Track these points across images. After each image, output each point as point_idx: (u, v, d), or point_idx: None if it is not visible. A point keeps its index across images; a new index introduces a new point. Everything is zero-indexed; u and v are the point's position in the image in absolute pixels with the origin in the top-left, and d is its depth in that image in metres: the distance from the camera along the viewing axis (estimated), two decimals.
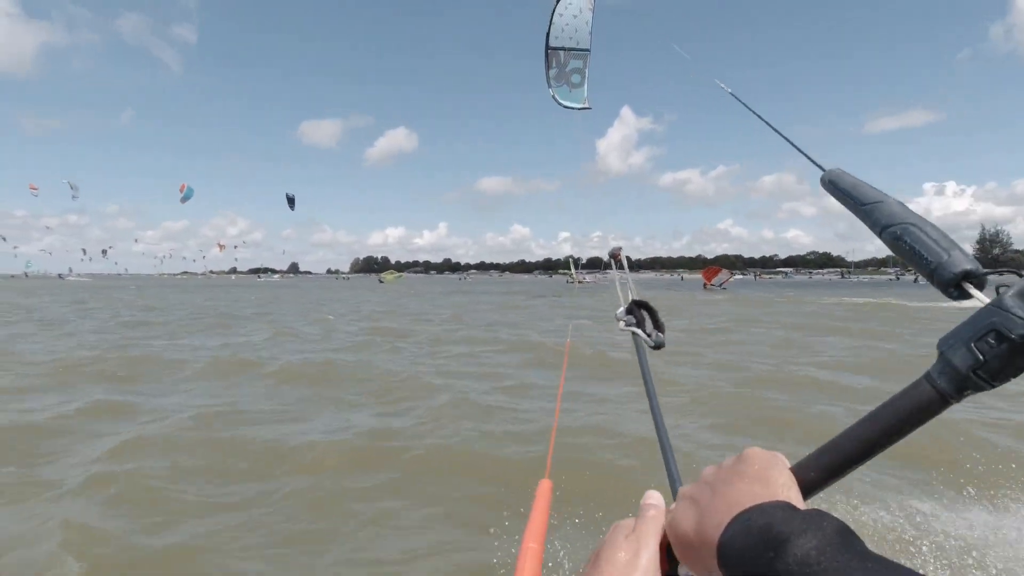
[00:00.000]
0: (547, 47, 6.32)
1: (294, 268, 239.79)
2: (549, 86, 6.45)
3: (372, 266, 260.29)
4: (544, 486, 0.91)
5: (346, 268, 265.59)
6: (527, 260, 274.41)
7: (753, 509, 0.45)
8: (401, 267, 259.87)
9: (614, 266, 1.80)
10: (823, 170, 0.82)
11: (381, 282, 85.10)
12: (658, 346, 1.26)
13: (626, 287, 1.57)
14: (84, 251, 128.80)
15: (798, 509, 0.43)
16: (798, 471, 0.51)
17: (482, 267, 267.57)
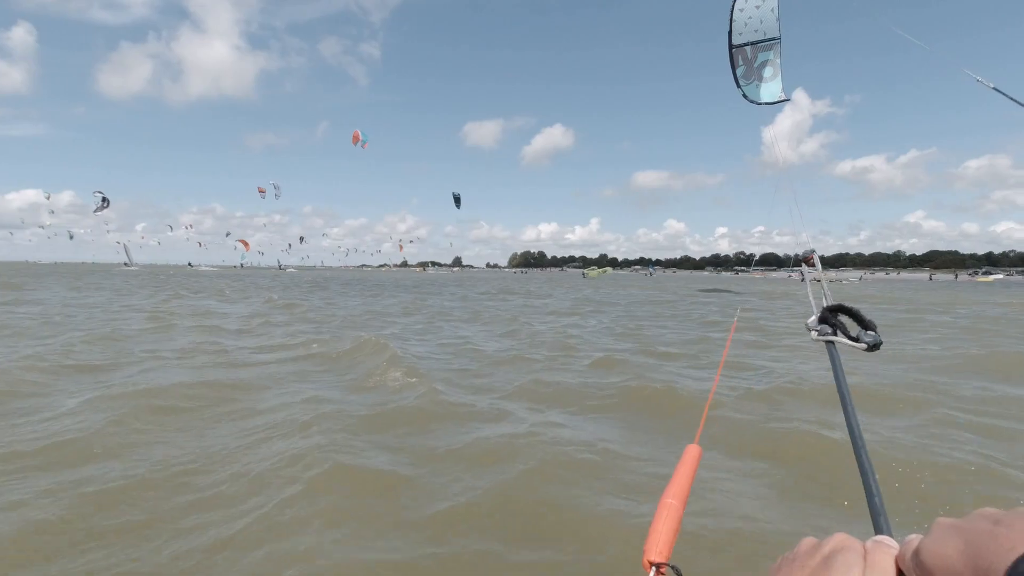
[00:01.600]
0: (731, 46, 5.80)
1: (458, 262, 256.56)
2: (738, 86, 5.82)
3: (529, 261, 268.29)
4: (692, 451, 0.94)
5: (503, 263, 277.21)
6: (686, 256, 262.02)
7: None
8: (557, 262, 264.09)
9: (804, 271, 1.69)
10: None
11: (584, 276, 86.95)
12: (874, 346, 1.12)
13: (819, 294, 1.43)
14: (289, 245, 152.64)
15: None
16: None
17: (642, 262, 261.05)
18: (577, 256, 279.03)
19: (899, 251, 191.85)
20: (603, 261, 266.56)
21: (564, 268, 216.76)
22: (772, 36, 5.52)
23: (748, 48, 5.59)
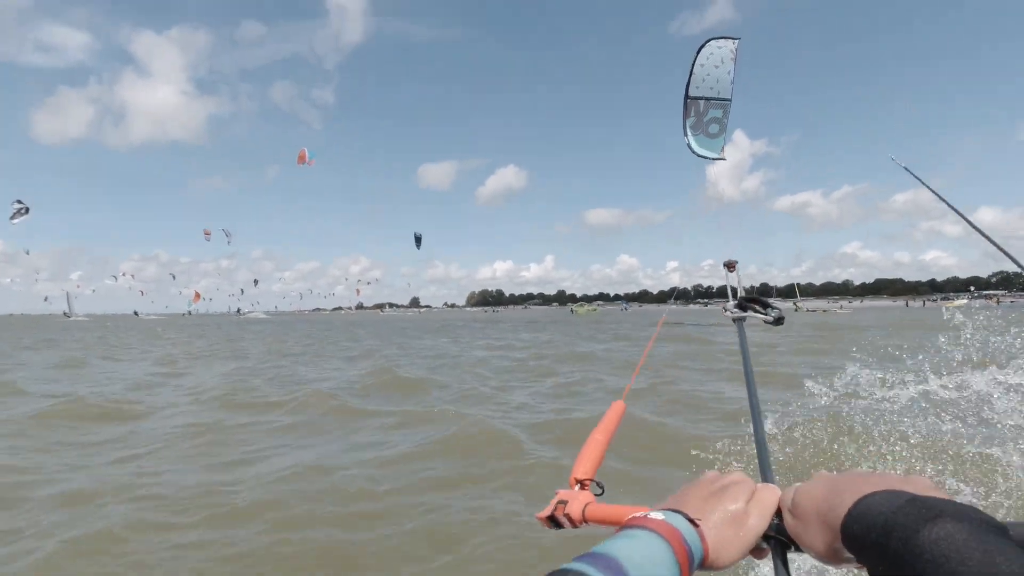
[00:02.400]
0: (687, 96, 6.32)
1: (415, 302, 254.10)
2: (685, 134, 6.29)
3: (488, 299, 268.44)
4: (617, 406, 1.02)
5: (461, 301, 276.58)
6: (644, 290, 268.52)
7: (904, 484, 0.49)
8: (516, 300, 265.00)
9: (728, 275, 2.08)
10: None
11: (573, 312, 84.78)
12: (778, 320, 1.43)
13: (736, 287, 1.92)
14: (242, 291, 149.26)
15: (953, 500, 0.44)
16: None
17: (603, 297, 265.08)
18: (535, 293, 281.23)
19: (847, 280, 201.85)
20: (562, 297, 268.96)
21: (526, 305, 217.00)
22: (724, 97, 6.15)
23: (702, 102, 6.20)
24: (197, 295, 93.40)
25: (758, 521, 0.58)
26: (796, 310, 71.23)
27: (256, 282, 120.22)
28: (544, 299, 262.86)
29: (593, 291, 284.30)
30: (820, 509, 0.53)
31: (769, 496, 0.61)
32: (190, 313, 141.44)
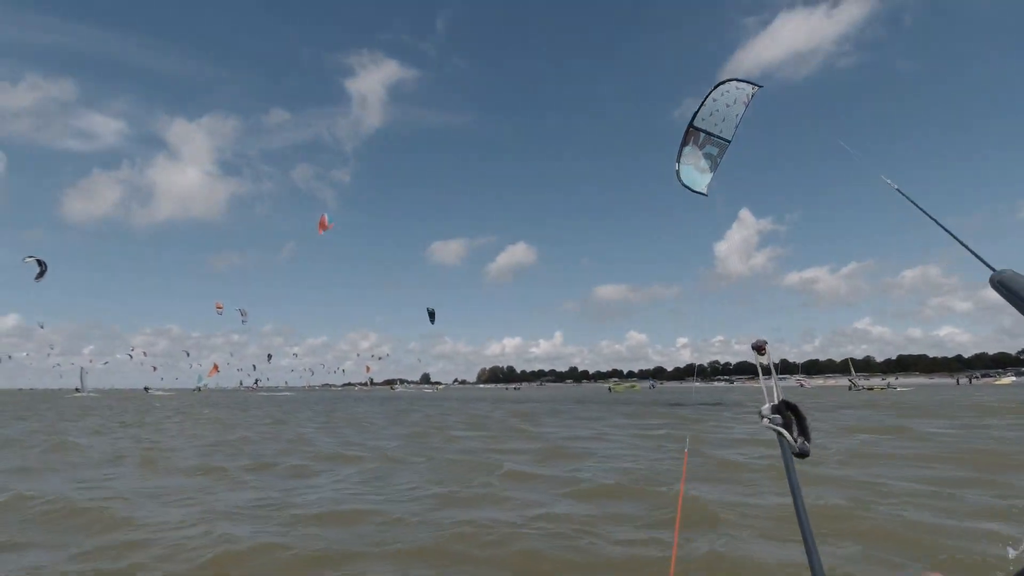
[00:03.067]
0: (691, 124, 6.27)
1: (426, 378, 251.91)
2: (677, 160, 6.30)
3: (498, 376, 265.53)
4: None
5: (470, 378, 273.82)
6: (659, 367, 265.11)
7: None
8: (527, 376, 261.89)
9: (758, 361, 1.68)
10: (993, 270, 0.80)
11: (611, 391, 77.53)
12: (802, 454, 1.22)
13: (771, 384, 1.50)
14: (254, 367, 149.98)
15: None
16: None
17: (617, 374, 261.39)
18: (547, 370, 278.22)
19: (869, 356, 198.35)
20: (575, 374, 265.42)
21: (541, 382, 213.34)
22: (726, 138, 6.17)
23: (703, 135, 6.18)
24: (215, 367, 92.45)
25: None
26: (851, 389, 64.23)
27: (270, 357, 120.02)
28: (557, 375, 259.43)
29: (603, 367, 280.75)
30: None
31: None
32: (199, 389, 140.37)
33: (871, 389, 62.00)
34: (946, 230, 1.22)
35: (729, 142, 6.38)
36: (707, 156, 6.50)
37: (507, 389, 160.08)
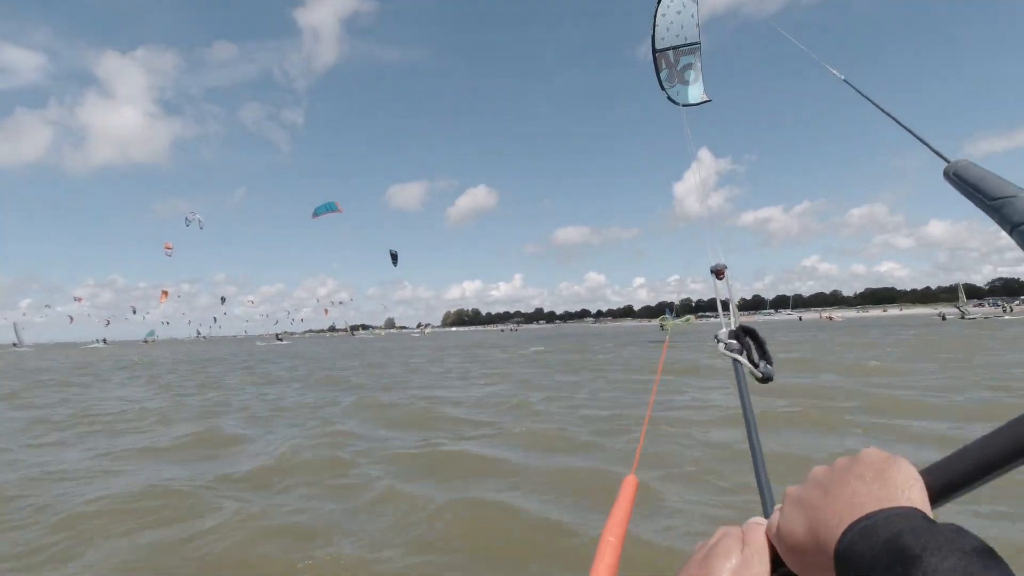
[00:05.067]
0: (654, 50, 6.55)
1: (391, 323, 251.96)
2: (662, 88, 6.51)
3: (464, 319, 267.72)
4: (629, 482, 0.96)
5: (436, 321, 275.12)
6: (602, 309, 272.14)
7: (877, 514, 0.43)
8: (493, 319, 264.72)
9: (716, 286, 1.69)
10: (947, 161, 0.79)
11: (663, 329, 71.00)
12: (766, 378, 1.21)
13: (729, 309, 1.48)
14: (215, 319, 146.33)
15: (931, 521, 0.41)
16: (926, 475, 0.48)
17: (585, 314, 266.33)
18: (512, 312, 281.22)
19: (836, 290, 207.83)
20: (539, 315, 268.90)
21: (516, 325, 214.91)
22: (693, 41, 6.21)
23: (670, 52, 6.23)
24: (164, 293, 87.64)
25: (760, 567, 0.53)
26: (963, 317, 65.32)
27: (223, 300, 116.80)
28: (525, 317, 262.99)
29: (560, 308, 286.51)
30: (805, 545, 0.49)
31: (758, 538, 0.56)
32: (146, 341, 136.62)
33: (986, 319, 62.85)
34: (897, 121, 1.17)
35: (699, 43, 6.26)
36: (687, 67, 6.68)
37: (503, 331, 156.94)
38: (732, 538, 0.57)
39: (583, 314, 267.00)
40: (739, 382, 1.20)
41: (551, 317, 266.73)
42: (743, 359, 1.25)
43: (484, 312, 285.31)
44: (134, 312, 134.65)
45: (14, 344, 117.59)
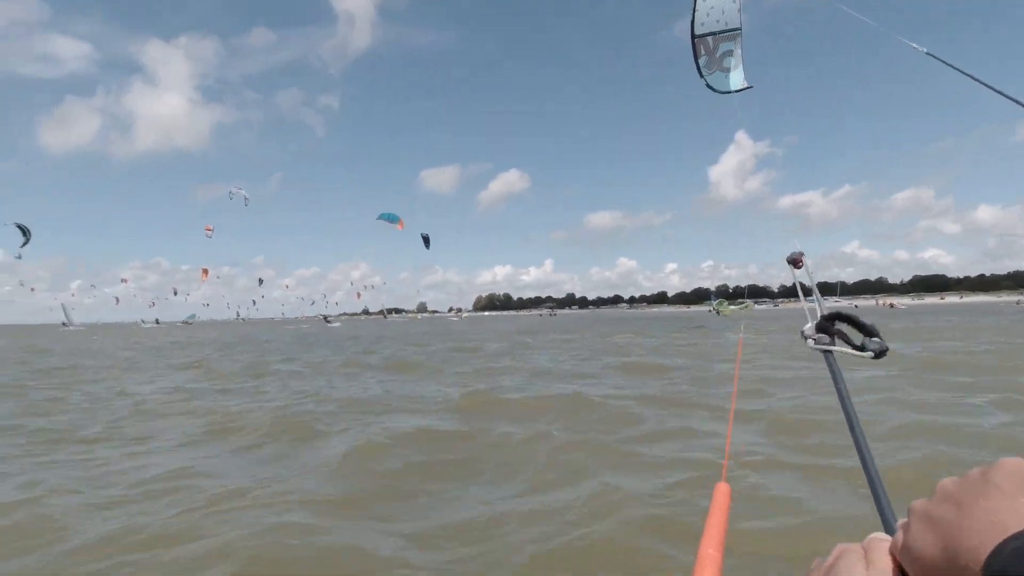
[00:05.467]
0: (693, 36, 6.27)
1: (423, 307, 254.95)
2: (701, 75, 6.35)
3: (495, 303, 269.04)
4: (721, 490, 0.91)
5: (467, 306, 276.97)
6: (634, 295, 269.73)
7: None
8: (524, 304, 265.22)
9: (795, 276, 1.56)
10: None
11: (718, 314, 69.17)
12: (880, 353, 1.09)
13: (813, 300, 1.37)
14: (254, 302, 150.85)
15: None
16: None
17: (617, 300, 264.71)
18: (543, 297, 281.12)
19: (881, 278, 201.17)
20: (571, 300, 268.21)
21: (553, 311, 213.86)
22: (733, 27, 5.99)
23: (710, 38, 6.07)
24: (205, 272, 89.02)
25: None
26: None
27: (261, 281, 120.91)
28: (557, 303, 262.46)
29: (592, 294, 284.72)
30: (939, 567, 0.44)
31: (881, 556, 0.52)
32: (186, 323, 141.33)
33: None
34: (992, 88, 1.25)
35: (739, 29, 6.16)
36: (726, 54, 6.60)
37: (541, 316, 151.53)
38: (854, 556, 0.53)
39: (616, 300, 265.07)
40: (836, 380, 1.08)
41: (583, 302, 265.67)
42: (843, 347, 1.14)
43: (515, 297, 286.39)
44: (175, 294, 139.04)
45: (63, 324, 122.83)
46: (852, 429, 0.96)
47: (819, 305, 1.30)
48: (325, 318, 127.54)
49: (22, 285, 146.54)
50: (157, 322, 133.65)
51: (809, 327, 1.23)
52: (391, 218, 38.49)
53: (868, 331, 1.11)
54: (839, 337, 1.16)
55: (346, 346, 28.98)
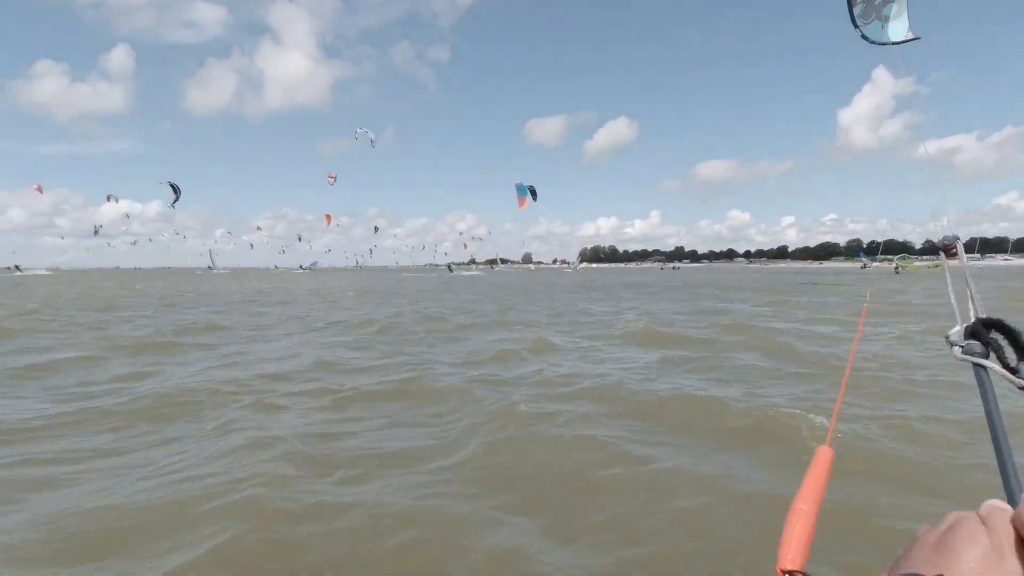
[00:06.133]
0: None
1: (527, 258, 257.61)
2: (856, 26, 5.80)
3: (599, 256, 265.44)
4: (823, 453, 0.89)
5: (568, 258, 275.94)
6: (749, 249, 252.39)
7: None
8: (629, 256, 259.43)
9: (947, 266, 1.34)
10: None
11: (898, 271, 62.09)
12: None
13: (964, 296, 1.15)
14: (370, 251, 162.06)
15: None
16: None
17: (732, 254, 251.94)
18: (650, 250, 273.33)
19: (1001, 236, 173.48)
20: (680, 254, 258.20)
21: (661, 264, 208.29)
22: None
23: None
24: (328, 217, 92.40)
25: (1013, 562, 0.46)
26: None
27: (376, 229, 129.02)
28: (666, 256, 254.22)
29: (701, 247, 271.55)
30: None
31: (1002, 523, 0.49)
32: (307, 268, 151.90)
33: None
34: None
35: None
36: (886, 0, 5.75)
37: (662, 269, 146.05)
38: (973, 523, 0.50)
39: (730, 254, 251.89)
40: (986, 400, 0.92)
41: (694, 256, 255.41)
42: (994, 364, 0.95)
43: (621, 250, 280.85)
44: (299, 240, 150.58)
45: (209, 267, 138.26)
46: (1001, 461, 0.83)
47: (974, 305, 1.11)
48: (449, 267, 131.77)
49: (176, 234, 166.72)
50: (301, 267, 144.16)
51: (956, 331, 1.04)
52: (523, 191, 40.34)
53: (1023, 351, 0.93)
54: (993, 350, 0.97)
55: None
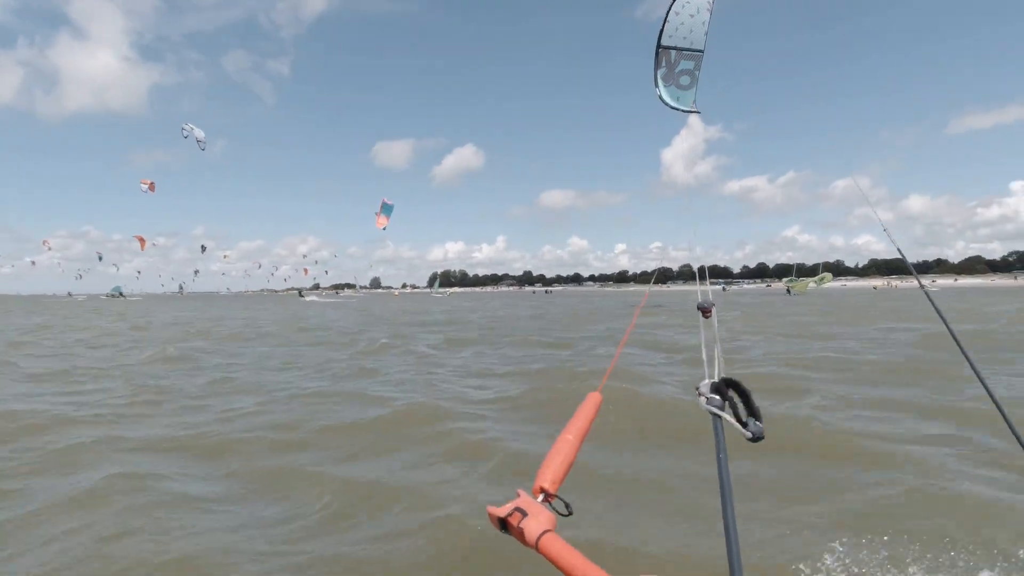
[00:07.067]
0: (659, 45, 6.46)
1: (376, 283, 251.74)
2: (656, 85, 6.50)
3: (450, 280, 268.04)
4: (593, 397, 1.04)
5: (421, 282, 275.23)
6: (585, 273, 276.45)
7: None
8: (481, 280, 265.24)
9: (702, 322, 1.55)
10: None
11: (789, 292, 66.47)
12: (756, 438, 1.11)
13: (713, 355, 1.35)
14: (196, 272, 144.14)
15: None
16: None
17: (578, 279, 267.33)
18: (499, 275, 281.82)
19: (839, 260, 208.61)
20: (530, 278, 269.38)
21: (513, 287, 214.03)
22: (697, 48, 6.28)
23: (673, 52, 6.31)
24: (142, 240, 75.97)
25: None
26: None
27: (204, 248, 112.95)
28: (517, 280, 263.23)
29: (545, 272, 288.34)
30: None
31: None
32: (120, 295, 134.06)
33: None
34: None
35: (701, 52, 6.48)
36: (684, 72, 6.79)
37: (534, 292, 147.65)
38: None
39: (576, 278, 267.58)
40: (718, 443, 1.09)
41: (545, 280, 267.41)
42: (728, 416, 1.15)
43: (471, 274, 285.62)
44: (100, 259, 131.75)
45: None
46: (723, 493, 0.96)
47: (719, 364, 1.32)
48: (299, 292, 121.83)
49: None
50: (108, 294, 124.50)
51: (706, 384, 1.24)
52: (387, 210, 38.83)
53: (754, 411, 1.15)
54: (730, 405, 1.18)
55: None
